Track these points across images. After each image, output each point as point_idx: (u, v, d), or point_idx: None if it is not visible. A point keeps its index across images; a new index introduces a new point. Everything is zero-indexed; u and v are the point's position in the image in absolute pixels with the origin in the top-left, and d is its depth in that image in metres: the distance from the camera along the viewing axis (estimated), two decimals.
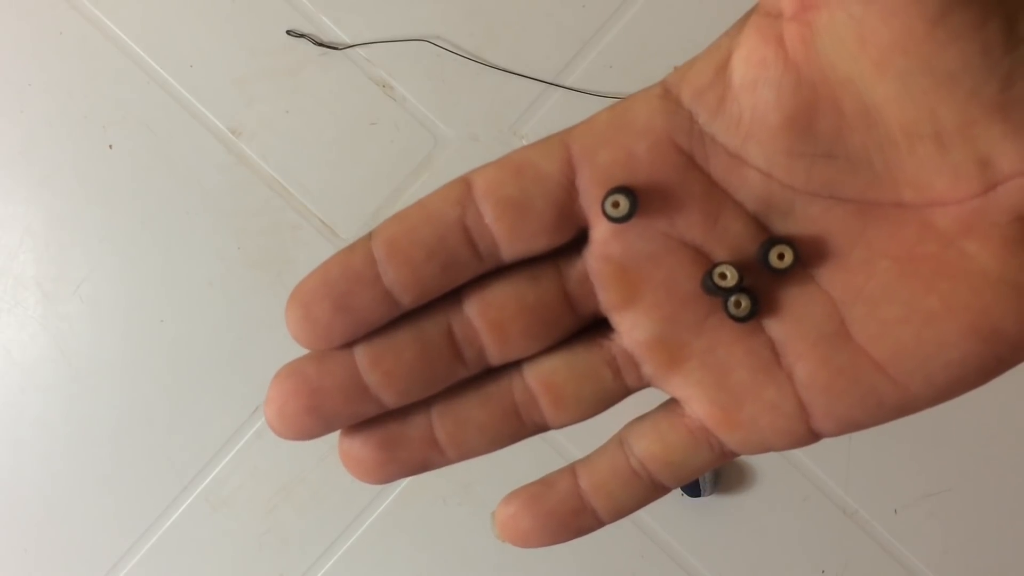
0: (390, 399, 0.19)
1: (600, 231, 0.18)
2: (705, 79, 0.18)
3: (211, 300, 0.69)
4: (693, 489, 0.66)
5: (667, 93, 0.18)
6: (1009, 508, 0.67)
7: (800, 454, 0.68)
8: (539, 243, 0.18)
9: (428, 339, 0.18)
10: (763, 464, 0.68)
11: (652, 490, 0.19)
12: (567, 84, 0.68)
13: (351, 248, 0.18)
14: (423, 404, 0.19)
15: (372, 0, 0.68)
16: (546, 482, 0.20)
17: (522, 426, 0.20)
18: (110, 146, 0.69)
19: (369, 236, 0.19)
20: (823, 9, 0.16)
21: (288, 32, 0.68)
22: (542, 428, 0.20)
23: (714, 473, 0.66)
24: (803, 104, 0.17)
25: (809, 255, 0.18)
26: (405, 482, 0.68)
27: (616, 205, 0.18)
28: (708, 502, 0.67)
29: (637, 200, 0.18)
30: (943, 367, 0.17)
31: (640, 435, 0.19)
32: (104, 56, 0.69)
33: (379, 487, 0.69)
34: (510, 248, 0.18)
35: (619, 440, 0.20)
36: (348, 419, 0.19)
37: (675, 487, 0.19)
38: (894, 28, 0.16)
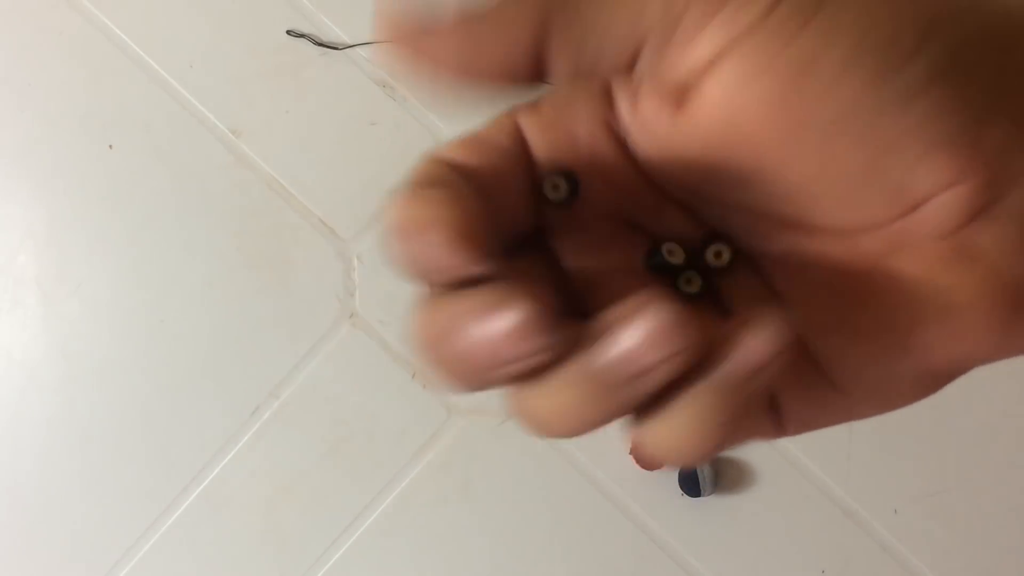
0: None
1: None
2: (633, 86, 0.17)
3: (211, 300, 0.69)
4: (693, 489, 0.66)
5: (605, 83, 0.17)
6: (1009, 508, 0.67)
7: (800, 454, 0.68)
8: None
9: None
10: (763, 464, 0.68)
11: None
12: None
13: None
14: None
15: (373, 0, 0.68)
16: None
17: None
18: (110, 146, 0.69)
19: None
20: (697, 92, 0.16)
21: (288, 32, 0.68)
22: None
23: (714, 473, 0.66)
24: (700, 156, 0.16)
25: (742, 253, 0.18)
26: (405, 481, 0.68)
27: (556, 188, 0.17)
28: (708, 502, 0.67)
29: (578, 183, 0.17)
30: (876, 382, 0.17)
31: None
32: (104, 56, 0.69)
33: (376, 489, 0.69)
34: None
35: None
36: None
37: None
38: (765, 91, 0.15)
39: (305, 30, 0.68)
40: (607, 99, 0.17)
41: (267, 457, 0.69)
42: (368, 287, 0.68)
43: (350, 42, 0.68)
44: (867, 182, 0.16)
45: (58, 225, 0.69)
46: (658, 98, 0.16)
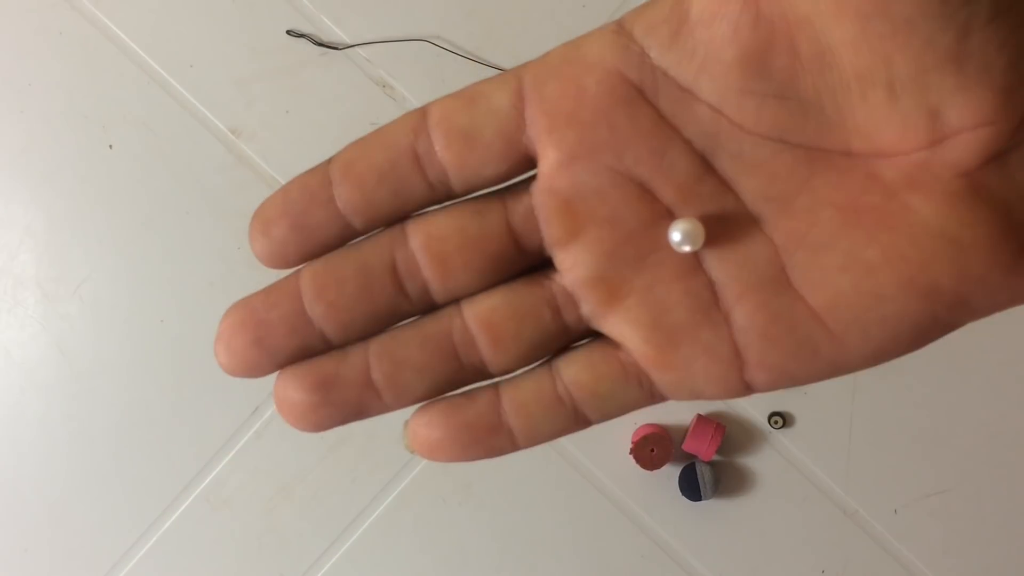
0: (333, 333, 0.19)
1: (547, 164, 0.18)
2: (661, 14, 0.18)
3: (211, 300, 0.69)
4: (694, 493, 0.66)
5: (621, 29, 0.19)
6: (1009, 508, 0.67)
7: (800, 454, 0.68)
8: (487, 172, 0.19)
9: (371, 270, 0.19)
10: (763, 465, 0.68)
11: (573, 420, 0.19)
12: None
13: (311, 170, 0.19)
14: (363, 345, 0.19)
15: (372, 0, 0.68)
16: (467, 395, 0.19)
17: (461, 368, 0.19)
18: (110, 146, 0.69)
19: (329, 160, 0.19)
20: None
21: (288, 32, 0.68)
22: (482, 372, 0.19)
23: (714, 476, 0.66)
24: (759, 42, 0.17)
25: (754, 198, 0.18)
26: (405, 481, 0.68)
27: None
28: (709, 505, 0.67)
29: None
30: (879, 321, 0.17)
31: (571, 362, 0.19)
32: (104, 56, 0.69)
33: (376, 489, 0.69)
34: (459, 177, 0.19)
35: (549, 366, 0.19)
36: (292, 353, 0.19)
37: (598, 422, 0.19)
38: None
39: (305, 30, 0.68)
40: (625, 45, 0.18)
41: (267, 457, 0.69)
42: None
43: (350, 42, 0.68)
44: (907, 94, 0.16)
45: (58, 225, 0.69)
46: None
